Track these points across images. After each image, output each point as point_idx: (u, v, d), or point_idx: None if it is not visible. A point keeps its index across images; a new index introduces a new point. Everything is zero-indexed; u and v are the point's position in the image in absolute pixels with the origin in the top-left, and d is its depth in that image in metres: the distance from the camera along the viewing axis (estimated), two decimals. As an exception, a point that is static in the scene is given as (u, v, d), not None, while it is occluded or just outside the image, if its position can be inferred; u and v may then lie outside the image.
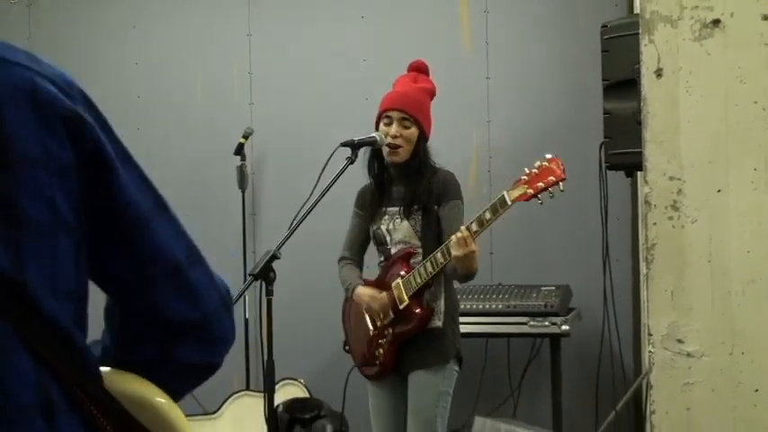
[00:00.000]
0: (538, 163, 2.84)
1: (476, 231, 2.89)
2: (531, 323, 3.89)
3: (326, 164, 2.76)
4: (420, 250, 3.13)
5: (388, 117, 3.10)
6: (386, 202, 3.19)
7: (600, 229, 3.82)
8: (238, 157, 4.75)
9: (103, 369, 1.10)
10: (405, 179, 3.16)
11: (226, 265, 4.85)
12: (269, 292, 2.67)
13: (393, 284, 3.10)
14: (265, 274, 2.67)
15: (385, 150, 3.12)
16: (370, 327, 3.17)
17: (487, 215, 2.88)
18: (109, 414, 1.02)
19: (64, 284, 1.02)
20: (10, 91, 0.98)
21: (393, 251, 3.18)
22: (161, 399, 1.12)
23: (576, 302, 4.17)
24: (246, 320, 4.66)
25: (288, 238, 2.75)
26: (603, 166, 3.71)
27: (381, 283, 3.18)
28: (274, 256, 2.69)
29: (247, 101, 4.93)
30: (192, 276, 1.11)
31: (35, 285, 0.98)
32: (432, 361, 3.07)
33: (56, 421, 0.98)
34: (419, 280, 3.04)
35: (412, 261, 3.13)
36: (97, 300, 1.17)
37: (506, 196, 2.85)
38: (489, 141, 4.59)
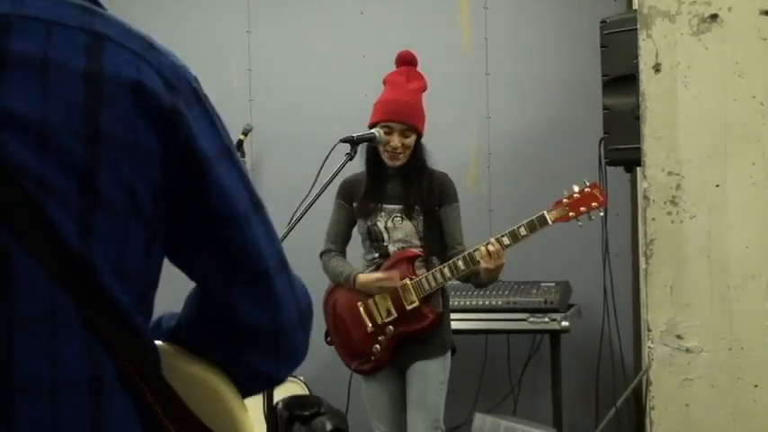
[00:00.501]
0: (577, 188, 2.95)
1: (507, 245, 2.95)
2: (531, 319, 3.90)
3: (325, 160, 2.73)
4: (421, 252, 3.15)
5: (388, 127, 3.11)
6: (381, 198, 3.19)
7: (600, 224, 3.81)
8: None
9: (168, 347, 1.09)
10: (402, 178, 3.17)
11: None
12: None
13: (401, 285, 3.10)
14: None
15: (384, 154, 3.14)
16: (368, 323, 3.16)
17: (523, 231, 2.95)
18: (162, 398, 1.01)
19: (131, 267, 1.01)
20: (115, 74, 0.99)
21: (391, 249, 3.17)
22: (224, 386, 1.10)
23: (575, 298, 4.16)
24: None
25: (287, 234, 2.71)
26: (603, 161, 3.70)
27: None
28: None
29: (246, 97, 4.90)
30: (277, 284, 1.09)
31: (100, 263, 0.97)
32: (433, 352, 3.11)
33: (104, 399, 0.98)
34: (433, 284, 3.07)
35: (418, 262, 3.14)
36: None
37: (547, 216, 2.94)
38: (489, 138, 4.57)
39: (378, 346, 3.13)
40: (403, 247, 3.16)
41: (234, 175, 1.08)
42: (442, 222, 3.13)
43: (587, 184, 2.96)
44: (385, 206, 3.19)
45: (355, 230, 3.32)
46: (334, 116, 4.67)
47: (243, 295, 1.07)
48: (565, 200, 2.97)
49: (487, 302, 4.03)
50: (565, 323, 3.87)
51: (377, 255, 3.21)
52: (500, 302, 4.01)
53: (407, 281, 3.09)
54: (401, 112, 3.11)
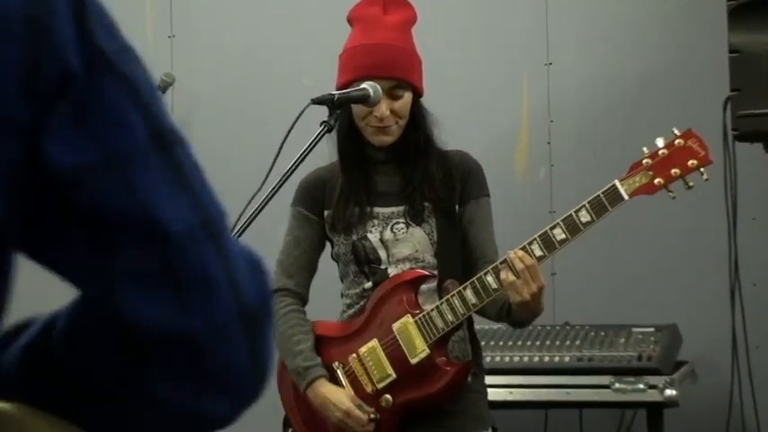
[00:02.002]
0: (662, 141, 2.91)
1: (540, 257, 2.92)
2: (617, 385, 3.88)
3: (290, 130, 2.67)
4: (436, 272, 3.13)
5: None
6: (370, 197, 3.20)
7: (724, 235, 3.86)
8: None
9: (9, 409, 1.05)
10: (398, 164, 3.18)
11: None
12: None
13: (396, 325, 3.08)
14: None
15: (365, 130, 3.13)
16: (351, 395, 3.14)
17: (584, 217, 2.89)
18: None
19: None
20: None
21: (393, 272, 3.15)
22: None
23: (687, 352, 4.16)
24: None
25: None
26: (730, 134, 3.69)
27: (365, 329, 3.15)
28: None
29: (166, 32, 4.97)
30: (192, 259, 1.02)
31: None
32: (468, 430, 3.14)
33: None
34: (451, 318, 3.02)
35: (423, 288, 3.12)
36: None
37: (620, 187, 2.89)
38: (548, 95, 4.61)
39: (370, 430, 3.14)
40: (412, 268, 3.13)
41: (119, 100, 1.04)
42: (466, 227, 3.14)
43: (677, 133, 2.90)
44: (377, 209, 3.17)
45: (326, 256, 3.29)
46: (302, 64, 4.71)
47: (130, 282, 1.01)
48: (646, 160, 2.90)
49: (547, 359, 4.02)
50: (671, 391, 3.84)
51: (368, 285, 3.18)
52: (568, 359, 3.98)
53: (408, 318, 3.06)
54: (383, 62, 3.09)
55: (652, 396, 3.85)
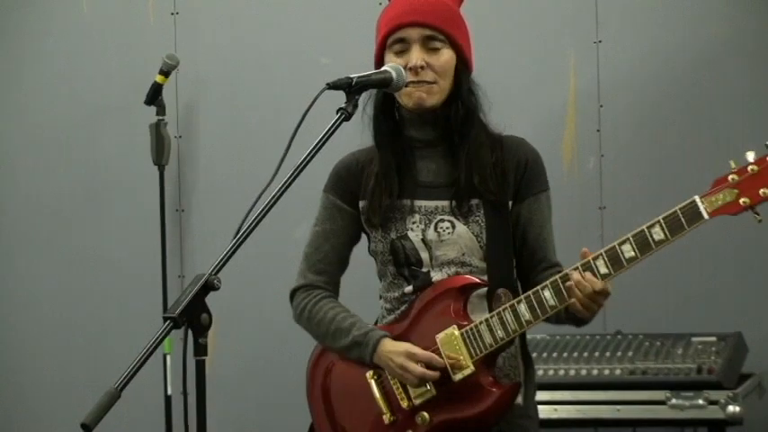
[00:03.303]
0: (752, 155, 2.81)
1: (606, 275, 2.85)
2: (674, 401, 3.88)
3: (303, 117, 2.61)
4: (485, 277, 3.07)
5: (401, 41, 3.06)
6: (409, 189, 3.14)
7: None
8: (153, 110, 4.81)
9: None
10: (441, 148, 3.12)
11: (131, 299, 5.02)
12: (200, 349, 2.54)
13: (441, 337, 3.02)
14: (193, 318, 2.54)
15: (402, 98, 3.07)
16: (385, 409, 3.11)
17: (658, 234, 2.82)
18: None
19: None
20: None
21: (436, 278, 3.10)
22: None
23: (753, 364, 4.18)
24: (168, 398, 4.73)
25: (234, 250, 2.61)
26: None
27: (407, 335, 3.09)
28: (210, 286, 2.56)
29: (169, 8, 5.01)
30: None
31: None
32: None
33: None
34: (501, 334, 2.97)
35: (472, 296, 3.07)
36: None
37: (700, 205, 2.80)
38: (598, 77, 4.62)
39: None
40: (458, 273, 3.08)
41: None
42: (523, 227, 3.07)
43: None
44: (419, 203, 3.11)
45: (362, 251, 3.23)
46: (319, 42, 4.74)
47: None
48: (732, 176, 2.81)
49: (596, 372, 4.02)
50: (734, 408, 3.83)
51: (409, 289, 3.13)
52: (620, 372, 3.98)
53: (454, 330, 3.01)
54: (416, 8, 3.06)
55: (713, 413, 3.84)
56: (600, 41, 4.58)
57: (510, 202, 3.05)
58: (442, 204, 3.06)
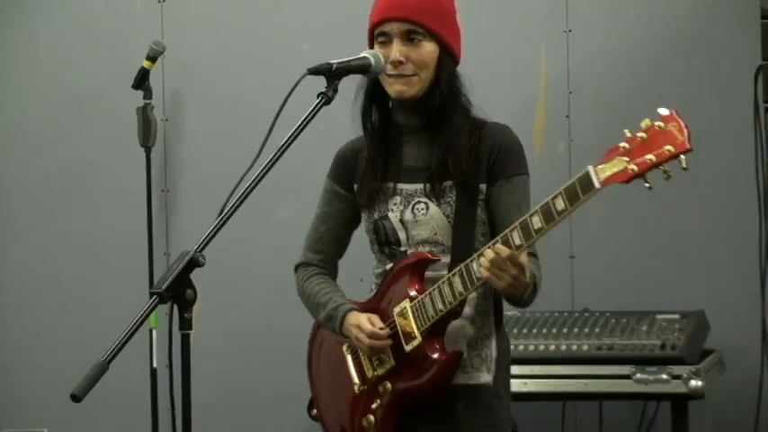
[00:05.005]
0: (645, 123, 2.76)
1: (519, 246, 2.81)
2: (639, 376, 3.89)
3: (285, 101, 2.63)
4: (448, 257, 3.08)
5: (384, 35, 3.07)
6: (393, 173, 3.15)
7: (754, 215, 3.86)
8: (140, 93, 4.82)
9: None
10: (425, 134, 3.12)
11: (118, 276, 5.02)
12: (185, 323, 2.57)
13: (396, 310, 3.05)
14: (179, 294, 2.56)
15: (386, 84, 3.08)
16: (356, 379, 3.15)
17: (559, 205, 2.77)
18: None
19: None
20: None
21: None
22: None
23: (715, 340, 4.16)
24: (154, 370, 4.73)
25: (218, 229, 2.64)
26: (762, 106, 3.67)
27: (376, 309, 3.13)
28: (195, 262, 2.59)
29: None
30: None
31: None
32: None
33: None
34: (440, 306, 2.98)
35: (429, 273, 3.08)
36: None
37: (593, 174, 2.75)
38: (568, 65, 4.61)
39: (371, 418, 3.12)
40: (431, 251, 3.09)
41: None
42: (493, 208, 3.07)
43: (661, 115, 2.75)
44: (401, 186, 3.13)
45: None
46: (302, 29, 4.75)
47: None
48: (623, 144, 2.77)
49: (564, 347, 4.03)
50: (696, 382, 3.84)
51: (390, 266, 3.16)
52: (586, 347, 3.98)
53: (407, 303, 3.04)
54: (402, 4, 3.05)
55: (676, 387, 3.84)
56: (570, 31, 4.58)
57: (483, 185, 3.04)
58: (420, 187, 3.08)
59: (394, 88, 3.04)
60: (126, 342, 2.34)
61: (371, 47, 3.09)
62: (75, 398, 2.42)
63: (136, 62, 4.77)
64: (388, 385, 3.06)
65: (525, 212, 2.98)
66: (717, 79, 4.28)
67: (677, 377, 3.82)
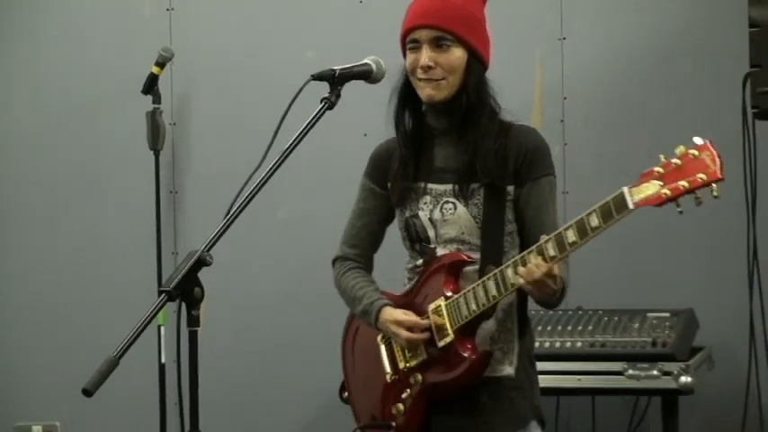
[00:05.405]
0: (680, 150, 2.80)
1: (553, 257, 2.86)
2: (631, 372, 3.89)
3: (289, 106, 2.67)
4: (478, 255, 3.11)
5: (414, 41, 3.09)
6: (424, 173, 3.18)
7: (743, 218, 3.85)
8: (149, 98, 4.82)
9: None
10: (455, 136, 3.15)
11: (127, 275, 5.03)
12: (193, 320, 2.59)
13: (431, 307, 3.08)
14: (187, 292, 2.58)
15: (417, 87, 3.12)
16: (388, 369, 3.18)
17: (593, 221, 2.84)
18: None
19: None
20: None
21: (441, 252, 3.15)
22: None
23: (704, 338, 4.17)
24: (162, 366, 4.75)
25: (225, 229, 2.66)
26: (750, 112, 3.66)
27: (410, 304, 3.17)
28: (202, 261, 2.61)
29: (164, 5, 5.00)
30: None
31: None
32: (499, 427, 3.09)
33: None
34: (474, 307, 3.01)
35: (464, 271, 3.11)
36: None
37: (627, 195, 2.81)
38: (562, 71, 4.61)
39: (400, 406, 3.15)
40: (459, 250, 3.12)
41: None
42: (522, 209, 3.09)
43: (697, 144, 2.78)
44: (431, 186, 3.16)
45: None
46: (306, 37, 4.74)
47: None
48: (658, 169, 2.82)
49: (559, 344, 4.03)
50: (686, 378, 3.85)
51: (420, 262, 3.20)
52: (580, 344, 3.99)
53: (441, 300, 3.09)
54: (427, 11, 3.09)
55: (667, 383, 3.84)
56: (564, 38, 4.58)
57: (511, 187, 3.07)
58: (449, 188, 3.11)
59: (424, 92, 3.07)
60: (136, 339, 2.36)
61: (404, 54, 3.12)
62: (87, 392, 2.43)
63: (145, 68, 4.77)
64: (419, 377, 3.10)
65: (552, 213, 3.08)
66: (706, 85, 4.27)
67: (668, 373, 3.83)
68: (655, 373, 3.85)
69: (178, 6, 5.00)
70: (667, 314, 4.06)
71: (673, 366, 3.84)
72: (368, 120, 4.56)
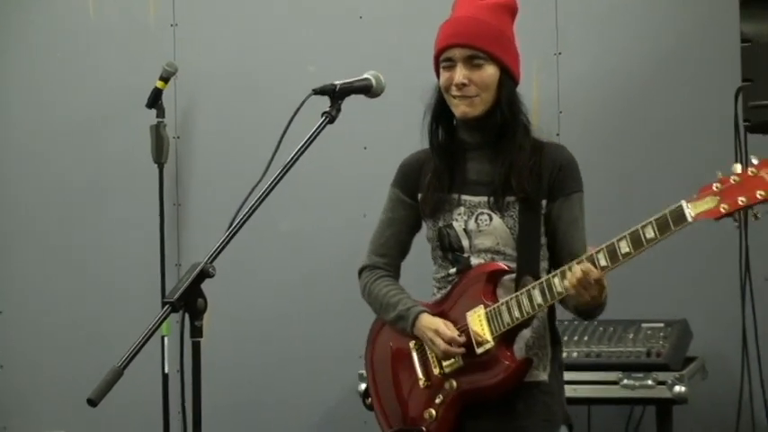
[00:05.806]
0: (738, 167, 2.87)
1: (604, 267, 2.89)
2: (626, 381, 3.90)
3: (291, 121, 2.67)
4: (514, 265, 3.14)
5: (448, 60, 3.13)
6: (458, 185, 3.21)
7: (735, 231, 3.81)
8: (153, 112, 4.85)
9: None
10: (488, 150, 3.18)
11: (132, 286, 5.05)
12: (196, 331, 2.60)
13: (470, 314, 3.10)
14: (190, 303, 2.59)
15: (452, 105, 3.16)
16: (420, 374, 3.19)
17: (649, 233, 2.88)
18: None
19: None
20: None
21: (474, 262, 3.18)
22: None
23: (697, 348, 4.17)
24: (166, 376, 4.75)
25: (228, 241, 2.66)
26: (741, 125, 3.66)
27: (444, 312, 3.19)
28: (205, 273, 2.61)
29: (168, 21, 5.02)
30: None
31: None
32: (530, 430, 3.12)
33: None
34: (517, 314, 3.03)
35: (502, 280, 3.14)
36: None
37: (686, 208, 2.86)
38: (558, 85, 4.61)
39: (433, 411, 3.15)
40: (493, 259, 3.16)
41: None
42: (554, 224, 3.13)
43: (754, 162, 2.86)
44: (465, 197, 3.20)
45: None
46: (307, 52, 4.76)
47: None
48: (716, 185, 2.88)
49: None
50: (680, 388, 3.85)
51: (452, 271, 3.21)
52: (575, 354, 4.00)
53: (481, 308, 3.08)
54: (461, 31, 3.13)
55: (661, 392, 3.85)
56: (560, 53, 4.60)
57: (544, 201, 3.11)
58: (483, 200, 3.13)
59: (459, 109, 3.10)
60: (140, 349, 2.37)
61: (437, 72, 3.16)
62: (92, 402, 2.43)
63: (149, 83, 4.79)
64: (454, 383, 3.10)
65: (582, 228, 3.12)
66: (699, 99, 4.28)
67: (662, 383, 3.84)
68: (649, 382, 3.86)
69: (182, 22, 5.02)
70: (661, 324, 4.08)
71: (667, 376, 3.85)
72: (368, 133, 4.63)
